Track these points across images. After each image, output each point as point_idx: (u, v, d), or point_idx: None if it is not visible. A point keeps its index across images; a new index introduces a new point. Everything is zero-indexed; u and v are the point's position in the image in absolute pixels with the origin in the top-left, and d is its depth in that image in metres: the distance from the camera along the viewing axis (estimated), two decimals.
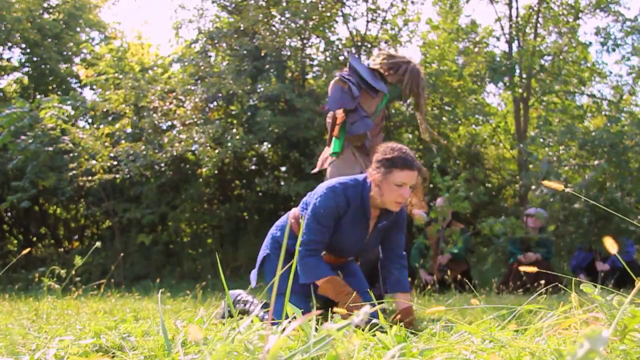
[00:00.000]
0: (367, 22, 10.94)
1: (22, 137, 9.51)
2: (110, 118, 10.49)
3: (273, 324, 1.86)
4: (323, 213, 2.69)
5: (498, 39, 11.00)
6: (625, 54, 10.71)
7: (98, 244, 4.32)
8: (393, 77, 3.92)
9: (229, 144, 8.85)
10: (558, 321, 1.29)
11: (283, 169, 10.97)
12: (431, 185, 7.45)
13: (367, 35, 10.97)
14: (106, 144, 9.63)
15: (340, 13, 10.82)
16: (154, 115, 9.73)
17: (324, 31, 10.77)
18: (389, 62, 3.89)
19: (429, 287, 5.76)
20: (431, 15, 17.26)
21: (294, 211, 3.01)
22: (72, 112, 10.47)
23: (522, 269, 1.69)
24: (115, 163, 9.47)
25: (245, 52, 10.10)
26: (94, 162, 9.41)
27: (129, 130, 10.02)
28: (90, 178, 9.33)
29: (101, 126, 10.11)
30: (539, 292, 2.61)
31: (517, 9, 10.66)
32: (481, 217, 9.42)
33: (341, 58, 11.03)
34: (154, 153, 9.17)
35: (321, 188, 2.77)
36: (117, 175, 9.24)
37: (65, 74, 12.55)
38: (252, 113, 9.87)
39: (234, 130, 9.14)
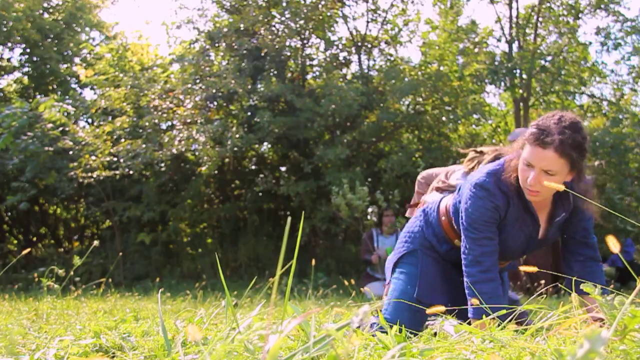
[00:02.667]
0: (367, 22, 10.95)
1: (23, 137, 9.51)
2: (110, 118, 10.49)
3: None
4: (481, 219, 2.14)
5: (498, 39, 11.00)
6: (626, 54, 10.71)
7: (96, 242, 4.32)
8: None
9: (229, 143, 8.85)
10: (558, 321, 1.29)
11: (283, 169, 10.98)
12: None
13: (367, 35, 10.97)
14: (107, 142, 9.63)
15: (340, 13, 10.82)
16: (155, 113, 9.74)
17: (324, 31, 10.77)
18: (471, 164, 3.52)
19: None
20: (431, 15, 17.26)
21: (443, 205, 2.46)
22: (72, 111, 10.48)
23: (523, 269, 1.68)
24: (115, 159, 9.48)
25: (245, 51, 10.11)
26: (93, 158, 9.41)
27: (128, 129, 10.02)
28: (89, 174, 9.33)
29: (102, 123, 10.11)
30: (539, 292, 2.61)
31: (517, 9, 10.66)
32: None
33: (341, 58, 11.04)
34: (154, 151, 9.17)
35: (467, 186, 2.21)
36: (117, 172, 9.24)
37: (65, 74, 12.55)
38: (252, 113, 9.88)
39: (234, 129, 9.14)
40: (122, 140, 9.72)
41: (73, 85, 12.58)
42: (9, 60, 12.94)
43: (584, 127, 2.02)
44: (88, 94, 13.02)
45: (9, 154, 9.73)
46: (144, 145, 9.25)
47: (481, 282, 2.11)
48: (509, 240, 2.22)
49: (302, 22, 10.00)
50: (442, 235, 2.41)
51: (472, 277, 2.12)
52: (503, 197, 2.14)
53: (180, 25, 10.94)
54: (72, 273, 3.89)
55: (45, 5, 12.56)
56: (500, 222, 2.19)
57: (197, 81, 10.02)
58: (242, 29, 10.20)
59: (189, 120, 9.57)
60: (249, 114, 10.01)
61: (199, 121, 9.52)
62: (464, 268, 2.17)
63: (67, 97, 11.39)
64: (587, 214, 2.27)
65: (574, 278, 2.16)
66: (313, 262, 3.43)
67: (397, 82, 9.54)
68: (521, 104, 10.33)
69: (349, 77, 11.08)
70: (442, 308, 1.50)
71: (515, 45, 10.57)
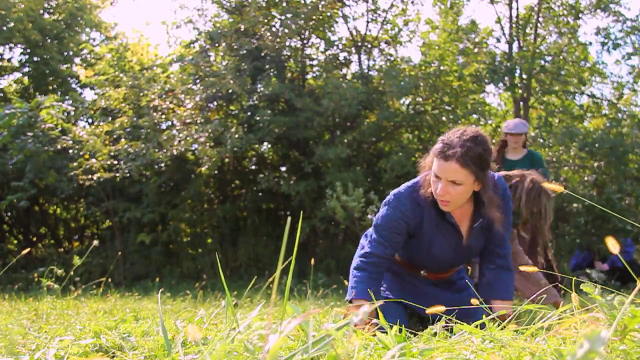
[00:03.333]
0: (367, 22, 10.95)
1: (22, 137, 9.52)
2: (110, 118, 10.49)
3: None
4: (384, 224, 2.30)
5: (498, 39, 11.00)
6: (626, 54, 10.71)
7: (96, 242, 4.32)
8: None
9: (229, 143, 8.85)
10: (558, 321, 1.29)
11: (283, 168, 10.98)
12: None
13: (367, 35, 10.97)
14: (106, 142, 9.63)
15: (340, 13, 10.82)
16: (154, 114, 9.74)
17: (324, 31, 10.77)
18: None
19: None
20: (431, 15, 17.26)
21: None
22: (72, 111, 10.47)
23: (522, 268, 1.68)
24: (115, 162, 9.48)
25: (245, 51, 10.11)
26: (93, 160, 9.41)
27: (128, 129, 10.02)
28: (90, 177, 9.33)
29: (101, 123, 10.11)
30: (539, 292, 2.60)
31: (517, 9, 10.66)
32: None
33: (341, 58, 11.04)
34: (154, 152, 9.17)
35: (389, 195, 2.39)
36: (117, 174, 9.24)
37: (65, 75, 12.55)
38: (252, 113, 9.88)
39: (234, 129, 9.14)
40: (122, 140, 9.72)
41: (73, 86, 12.58)
42: (9, 60, 12.94)
43: (486, 141, 2.17)
44: (88, 94, 13.02)
45: (8, 154, 9.73)
46: (143, 145, 9.25)
47: (360, 269, 2.27)
48: (433, 249, 2.34)
49: (302, 22, 10.01)
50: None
51: (356, 264, 2.30)
52: (416, 210, 2.28)
53: (180, 25, 10.95)
54: (72, 273, 3.89)
55: (46, 5, 12.56)
56: (418, 233, 2.32)
57: (197, 81, 10.02)
58: (242, 29, 10.21)
59: (188, 121, 9.57)
60: (249, 114, 10.01)
61: (198, 121, 9.52)
62: (356, 257, 2.34)
63: (67, 97, 11.39)
64: (497, 225, 2.34)
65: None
66: (312, 261, 3.42)
67: (398, 80, 9.54)
68: (521, 103, 10.33)
69: (349, 77, 11.08)
70: (442, 308, 1.49)
71: (515, 45, 10.57)
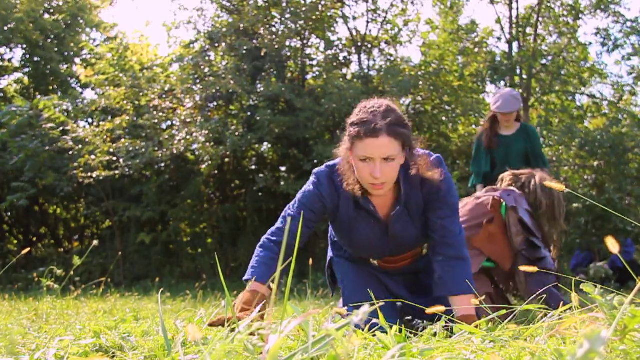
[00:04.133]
0: (367, 22, 10.95)
1: (23, 136, 9.52)
2: (110, 117, 10.49)
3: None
4: (301, 199, 2.16)
5: (499, 39, 11.01)
6: (626, 55, 10.71)
7: (95, 242, 4.32)
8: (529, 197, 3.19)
9: (229, 142, 8.85)
10: (558, 321, 1.29)
11: (283, 168, 10.98)
12: None
13: (367, 35, 10.97)
14: (106, 140, 9.63)
15: (340, 13, 10.83)
16: (154, 113, 9.74)
17: (324, 31, 10.77)
18: (515, 185, 3.26)
19: None
20: (431, 15, 17.26)
21: None
22: (71, 108, 10.47)
23: (523, 268, 1.68)
24: (114, 159, 9.48)
25: (245, 51, 10.11)
26: (93, 157, 9.41)
27: (128, 129, 10.02)
28: (89, 175, 9.33)
29: (102, 122, 10.12)
30: (539, 292, 2.60)
31: (517, 9, 10.66)
32: None
33: (341, 58, 11.04)
34: (154, 151, 9.17)
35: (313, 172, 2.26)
36: (117, 172, 9.24)
37: (65, 75, 12.55)
38: (252, 113, 9.88)
39: (233, 128, 9.15)
40: (122, 139, 9.72)
41: (73, 86, 12.58)
42: (10, 60, 12.94)
43: (396, 107, 2.02)
44: (88, 94, 13.02)
45: (7, 153, 9.74)
46: (143, 144, 9.26)
47: (263, 247, 2.10)
48: (354, 236, 2.20)
49: (302, 22, 10.01)
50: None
51: (261, 241, 2.13)
52: (334, 194, 2.14)
53: (179, 26, 10.95)
54: (72, 273, 3.89)
55: (46, 6, 12.57)
56: (337, 218, 2.19)
57: (197, 81, 10.02)
58: (241, 29, 10.21)
59: (188, 120, 9.57)
60: (249, 113, 10.02)
61: (198, 121, 9.52)
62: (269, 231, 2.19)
63: (67, 97, 11.40)
64: (445, 207, 2.11)
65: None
66: (310, 262, 3.42)
67: (398, 80, 9.54)
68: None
69: (349, 77, 11.08)
70: (442, 308, 1.49)
71: (515, 45, 10.57)
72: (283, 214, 2.20)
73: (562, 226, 3.24)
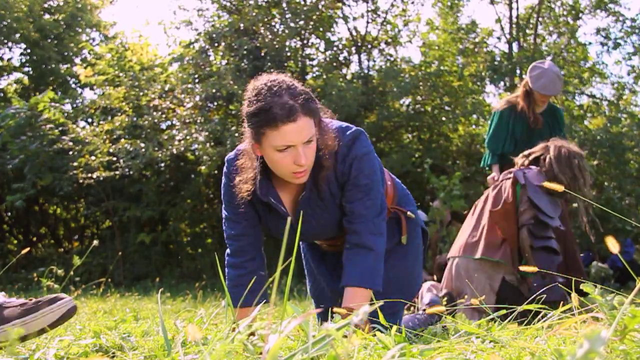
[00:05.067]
0: (367, 22, 10.95)
1: (22, 137, 9.51)
2: (109, 117, 10.49)
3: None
4: (225, 198, 1.96)
5: (499, 39, 11.01)
6: (626, 54, 10.72)
7: (95, 242, 4.32)
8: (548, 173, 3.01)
9: (229, 142, 8.86)
10: (558, 321, 1.29)
11: None
12: (430, 186, 7.45)
13: (367, 35, 10.97)
14: (106, 141, 9.63)
15: (340, 13, 10.83)
16: (154, 113, 9.75)
17: (323, 31, 10.78)
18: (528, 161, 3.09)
19: None
20: (431, 15, 17.26)
21: None
22: (70, 109, 10.47)
23: (523, 268, 1.68)
24: (114, 159, 9.48)
25: (245, 51, 10.11)
26: (93, 157, 9.42)
27: (127, 129, 10.02)
28: (89, 175, 9.33)
29: (101, 123, 10.12)
30: (540, 292, 2.59)
31: (517, 9, 10.67)
32: None
33: (341, 58, 11.04)
34: (154, 151, 9.18)
35: None
36: (117, 172, 9.24)
37: (65, 75, 12.55)
38: None
39: (234, 128, 9.15)
40: (122, 139, 9.72)
41: (73, 86, 12.58)
42: (9, 60, 12.94)
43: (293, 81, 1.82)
44: (88, 94, 13.03)
45: (8, 153, 9.74)
46: (142, 145, 9.26)
47: (226, 266, 1.95)
48: (268, 224, 1.99)
49: (302, 22, 10.01)
50: None
51: (226, 269, 1.96)
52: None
53: (179, 27, 10.96)
54: (72, 273, 3.89)
55: (45, 5, 12.56)
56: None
57: (197, 81, 10.01)
58: (241, 29, 10.20)
59: (188, 120, 9.58)
60: None
61: (198, 121, 9.53)
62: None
63: (65, 96, 11.39)
64: (356, 188, 1.86)
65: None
66: None
67: (398, 80, 9.54)
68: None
69: (349, 77, 11.09)
70: (442, 308, 1.49)
71: (515, 46, 10.58)
72: (224, 226, 1.99)
73: (588, 195, 3.01)
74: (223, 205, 1.98)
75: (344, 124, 1.91)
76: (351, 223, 1.88)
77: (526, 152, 3.22)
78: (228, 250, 1.97)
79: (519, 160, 3.22)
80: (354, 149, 1.85)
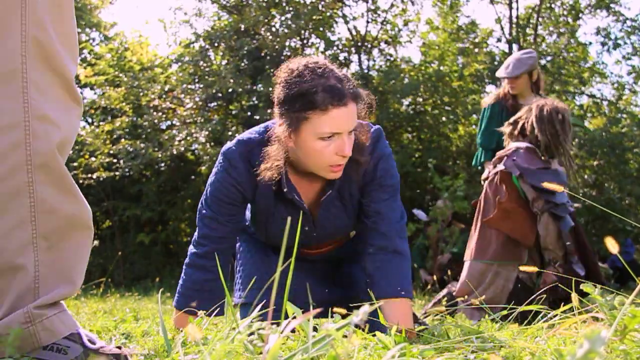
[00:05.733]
0: (367, 22, 10.96)
1: None
2: (109, 117, 10.49)
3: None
4: (213, 193, 1.74)
5: (499, 39, 11.01)
6: (626, 54, 10.72)
7: (95, 242, 4.32)
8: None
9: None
10: (558, 321, 1.29)
11: None
12: (430, 186, 7.45)
13: (367, 35, 10.97)
14: (106, 141, 9.64)
15: (340, 13, 10.83)
16: (154, 113, 9.75)
17: (323, 31, 10.78)
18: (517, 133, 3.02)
19: (429, 287, 5.76)
20: (431, 15, 17.26)
21: None
22: None
23: (523, 268, 1.68)
24: (114, 160, 9.48)
25: (245, 51, 10.11)
26: (93, 159, 9.42)
27: (128, 129, 10.03)
28: (89, 176, 9.34)
29: (101, 123, 10.12)
30: (539, 292, 2.59)
31: (517, 9, 10.67)
32: None
33: (341, 58, 11.03)
34: (154, 151, 9.18)
35: (220, 153, 1.79)
36: (117, 173, 9.24)
37: None
38: (252, 113, 9.88)
39: (234, 129, 9.15)
40: (122, 140, 9.73)
41: None
42: None
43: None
44: (88, 94, 13.01)
45: None
46: (142, 145, 9.27)
47: (192, 266, 1.76)
48: (270, 228, 1.82)
49: (302, 22, 10.01)
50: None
51: (188, 258, 1.78)
52: (251, 177, 1.68)
53: (179, 29, 10.97)
54: None
55: None
56: (252, 205, 1.82)
57: (197, 81, 10.02)
58: (242, 29, 10.21)
59: (188, 120, 9.58)
60: (249, 113, 10.02)
61: (198, 121, 9.53)
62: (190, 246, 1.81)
63: None
64: (381, 189, 1.73)
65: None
66: None
67: (398, 81, 9.54)
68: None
69: None
70: (442, 308, 1.48)
71: (515, 46, 10.58)
72: (199, 214, 1.79)
73: (569, 147, 2.95)
74: (206, 203, 1.75)
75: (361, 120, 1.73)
76: (377, 224, 1.73)
77: (512, 120, 3.10)
78: (198, 251, 1.75)
79: (506, 129, 3.10)
80: (379, 147, 1.73)
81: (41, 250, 1.09)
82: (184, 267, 1.79)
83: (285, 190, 1.69)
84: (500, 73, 3.53)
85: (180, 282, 1.79)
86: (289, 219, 0.85)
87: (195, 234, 1.79)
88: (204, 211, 1.76)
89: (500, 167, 2.96)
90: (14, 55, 1.04)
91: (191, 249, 1.78)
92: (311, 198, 1.78)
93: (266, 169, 1.62)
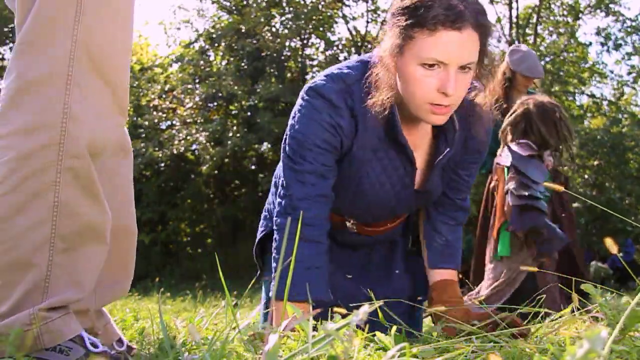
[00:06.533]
0: (367, 22, 10.96)
1: None
2: None
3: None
4: (311, 140, 1.37)
5: (498, 39, 11.01)
6: (625, 54, 10.73)
7: None
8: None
9: (229, 142, 8.86)
10: (558, 321, 1.29)
11: None
12: None
13: (367, 34, 10.98)
14: None
15: (340, 13, 10.84)
16: (154, 113, 9.76)
17: (323, 31, 10.78)
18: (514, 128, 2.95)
19: None
20: None
21: None
22: None
23: (523, 268, 1.68)
24: None
25: (245, 52, 10.12)
26: None
27: (128, 129, 10.04)
28: None
29: None
30: (540, 292, 2.58)
31: (517, 9, 10.67)
32: None
33: (341, 58, 11.04)
34: (154, 151, 9.19)
35: (304, 91, 1.41)
36: None
37: None
38: (252, 113, 9.89)
39: (235, 129, 9.16)
40: None
41: None
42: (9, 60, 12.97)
43: None
44: None
45: None
46: (142, 145, 9.27)
47: (298, 239, 1.24)
48: (364, 184, 1.44)
49: (302, 22, 10.02)
50: None
51: (282, 232, 1.39)
52: (351, 119, 1.37)
53: (179, 27, 10.98)
54: None
55: None
56: (345, 156, 1.42)
57: (197, 81, 10.03)
58: (242, 29, 10.21)
59: (188, 120, 9.58)
60: (249, 114, 10.03)
61: (198, 121, 9.54)
62: (275, 218, 1.44)
63: None
64: (476, 157, 1.52)
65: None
66: None
67: None
68: None
69: None
70: (443, 307, 1.45)
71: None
72: (289, 172, 1.40)
73: (570, 142, 2.87)
74: (297, 155, 1.38)
75: None
76: (462, 200, 1.59)
77: (511, 120, 3.02)
78: (294, 218, 1.35)
79: (505, 131, 3.02)
80: (479, 106, 1.42)
81: (57, 251, 1.11)
82: (275, 245, 1.41)
83: (395, 129, 1.36)
84: (529, 72, 3.32)
85: (276, 264, 1.40)
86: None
87: (283, 200, 1.40)
88: (297, 167, 1.38)
89: (497, 160, 2.95)
90: (62, 58, 1.06)
91: (283, 221, 1.39)
92: (419, 155, 1.45)
93: (377, 101, 1.31)
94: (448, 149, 1.41)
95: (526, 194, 2.64)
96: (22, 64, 1.07)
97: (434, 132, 1.46)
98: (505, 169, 2.87)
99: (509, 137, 2.97)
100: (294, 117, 1.41)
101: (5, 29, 11.91)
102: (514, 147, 2.84)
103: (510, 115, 2.97)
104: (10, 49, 12.78)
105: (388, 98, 1.31)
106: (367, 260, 1.69)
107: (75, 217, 1.13)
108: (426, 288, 1.64)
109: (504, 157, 2.87)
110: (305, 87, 1.40)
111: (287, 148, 1.40)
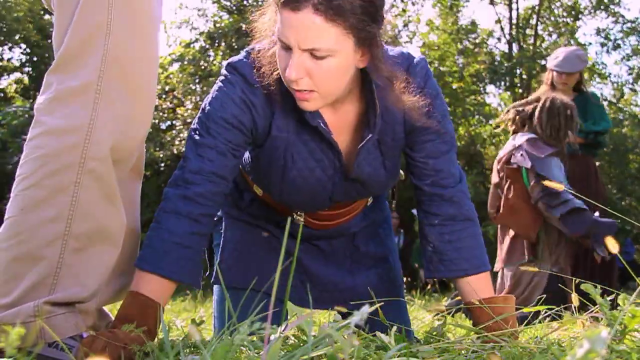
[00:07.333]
0: None
1: (23, 136, 9.52)
2: None
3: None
4: (218, 114, 1.28)
5: (499, 39, 11.01)
6: (625, 55, 10.73)
7: None
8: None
9: None
10: (558, 321, 1.29)
11: None
12: None
13: None
14: None
15: None
16: (154, 113, 9.79)
17: None
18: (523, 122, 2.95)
19: (429, 287, 5.75)
20: (431, 16, 17.28)
21: None
22: None
23: (523, 268, 1.68)
24: None
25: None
26: None
27: None
28: None
29: None
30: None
31: (517, 10, 10.67)
32: (482, 217, 9.41)
33: None
34: (155, 151, 9.20)
35: (223, 67, 1.36)
36: None
37: None
38: None
39: None
40: None
41: None
42: (9, 60, 12.95)
43: None
44: None
45: (9, 153, 9.74)
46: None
47: (173, 212, 1.25)
48: (290, 172, 1.36)
49: None
50: (239, 178, 1.57)
51: (167, 202, 1.27)
52: (267, 99, 1.29)
53: (180, 26, 10.97)
54: None
55: (45, 6, 12.59)
56: (265, 141, 1.34)
57: (197, 81, 10.03)
58: (242, 29, 10.22)
59: (189, 120, 9.59)
60: None
61: None
62: (165, 188, 1.32)
63: None
64: (431, 139, 1.34)
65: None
66: None
67: None
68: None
69: None
70: (442, 307, 1.46)
71: (515, 46, 10.59)
72: (189, 141, 1.32)
73: (572, 139, 2.90)
74: (202, 126, 1.29)
75: (401, 49, 1.37)
76: (440, 187, 1.37)
77: (519, 106, 2.99)
78: (184, 192, 1.26)
79: (508, 115, 3.00)
80: (430, 84, 1.33)
81: (68, 249, 1.15)
82: (156, 215, 1.29)
83: (307, 116, 1.27)
84: (558, 67, 3.32)
85: (151, 232, 1.28)
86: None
87: (177, 171, 1.31)
88: (197, 137, 1.29)
89: (514, 161, 2.92)
90: (94, 70, 1.18)
91: (170, 191, 1.29)
92: (343, 140, 1.36)
93: (265, 74, 1.26)
94: (370, 135, 1.30)
95: (560, 201, 2.67)
96: (58, 79, 1.18)
97: (360, 116, 1.34)
98: (524, 170, 2.87)
99: (511, 116, 2.99)
100: (213, 90, 1.33)
101: (5, 29, 11.92)
102: (527, 147, 2.84)
103: (517, 105, 3.02)
104: (10, 48, 12.79)
105: (272, 73, 1.25)
106: (331, 250, 1.61)
107: (90, 218, 1.17)
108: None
109: (518, 157, 2.87)
110: (227, 62, 1.34)
111: (195, 120, 1.33)
